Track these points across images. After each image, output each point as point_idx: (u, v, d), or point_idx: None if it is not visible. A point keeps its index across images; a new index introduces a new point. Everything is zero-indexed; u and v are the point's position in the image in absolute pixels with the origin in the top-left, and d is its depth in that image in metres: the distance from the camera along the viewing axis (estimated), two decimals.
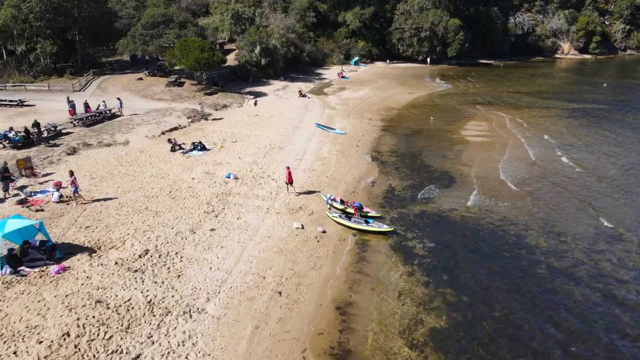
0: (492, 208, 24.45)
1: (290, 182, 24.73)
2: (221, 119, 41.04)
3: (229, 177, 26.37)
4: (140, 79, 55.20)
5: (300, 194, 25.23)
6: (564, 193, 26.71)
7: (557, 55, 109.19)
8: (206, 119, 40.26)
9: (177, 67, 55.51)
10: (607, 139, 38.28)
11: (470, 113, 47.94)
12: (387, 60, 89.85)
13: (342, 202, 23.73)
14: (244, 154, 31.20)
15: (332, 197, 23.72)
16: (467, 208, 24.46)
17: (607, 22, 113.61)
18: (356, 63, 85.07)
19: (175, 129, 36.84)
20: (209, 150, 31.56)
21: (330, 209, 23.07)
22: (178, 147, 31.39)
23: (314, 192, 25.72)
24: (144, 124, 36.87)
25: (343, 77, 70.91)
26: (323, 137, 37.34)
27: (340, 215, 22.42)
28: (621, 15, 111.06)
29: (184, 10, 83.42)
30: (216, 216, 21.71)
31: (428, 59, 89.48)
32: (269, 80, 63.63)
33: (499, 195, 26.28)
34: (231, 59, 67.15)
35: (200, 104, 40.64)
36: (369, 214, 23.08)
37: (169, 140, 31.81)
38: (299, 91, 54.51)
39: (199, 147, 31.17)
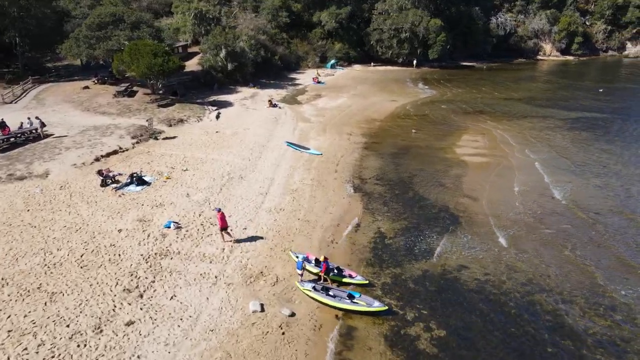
0: (518, 266, 18.81)
1: (223, 227, 18.72)
2: (174, 137, 34.50)
3: (169, 227, 20.04)
4: (87, 87, 48.04)
5: (256, 242, 19.07)
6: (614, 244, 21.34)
7: (539, 57, 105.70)
8: (156, 139, 33.68)
9: (128, 74, 48.60)
10: (622, 157, 33.31)
11: (462, 125, 42.59)
12: (372, 64, 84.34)
13: (317, 262, 17.72)
14: (195, 188, 24.84)
15: (304, 257, 17.73)
16: (483, 266, 18.77)
17: (587, 23, 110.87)
18: (333, 66, 79.34)
19: (114, 153, 30.17)
20: (150, 183, 25.08)
21: (302, 275, 17.05)
22: (110, 181, 24.84)
23: (280, 246, 19.60)
24: (75, 147, 30.08)
25: (319, 82, 65.01)
26: (295, 159, 31.28)
27: (314, 287, 16.40)
28: (602, 16, 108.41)
29: (145, 10, 76.40)
30: (140, 296, 15.42)
31: (414, 61, 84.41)
32: (236, 87, 57.17)
33: (524, 243, 20.68)
34: (194, 64, 60.48)
35: (148, 120, 34.06)
36: (353, 282, 17.14)
37: (99, 172, 25.19)
38: (269, 100, 48.29)
39: (137, 181, 24.64)
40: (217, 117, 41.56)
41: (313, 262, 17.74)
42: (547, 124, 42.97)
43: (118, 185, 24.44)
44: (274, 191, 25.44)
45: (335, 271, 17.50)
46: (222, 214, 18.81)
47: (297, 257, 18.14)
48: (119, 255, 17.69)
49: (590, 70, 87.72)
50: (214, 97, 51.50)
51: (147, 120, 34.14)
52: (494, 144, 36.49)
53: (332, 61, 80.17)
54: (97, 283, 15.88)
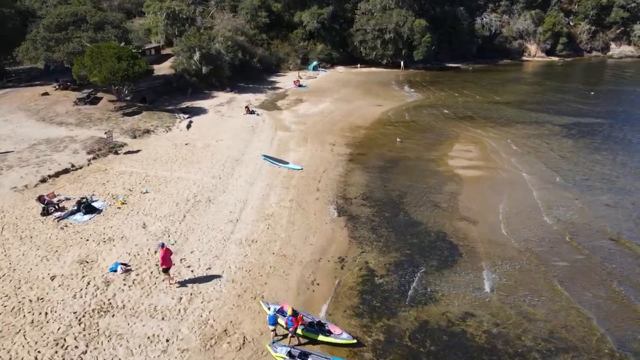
0: (533, 314, 15.91)
1: (166, 267, 15.49)
2: (137, 151, 30.91)
3: (116, 271, 16.60)
4: (46, 93, 43.96)
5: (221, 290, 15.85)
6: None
7: (524, 58, 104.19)
8: (116, 153, 30.03)
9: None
10: (625, 169, 30.88)
11: (453, 132, 39.83)
12: (359, 65, 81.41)
13: (295, 314, 14.49)
14: (154, 215, 21.40)
15: (278, 309, 14.55)
16: (492, 313, 15.83)
17: (571, 23, 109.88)
18: (315, 68, 76.19)
19: (65, 172, 26.46)
20: (102, 211, 21.54)
21: (275, 332, 13.85)
22: (54, 208, 21.24)
23: (250, 291, 16.36)
24: (20, 165, 26.32)
25: (300, 85, 61.76)
26: (272, 175, 28.03)
27: (290, 353, 13.21)
28: (586, 16, 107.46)
29: (117, 10, 72.25)
30: None
31: (402, 63, 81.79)
32: (212, 92, 53.59)
33: (537, 283, 17.81)
34: (167, 67, 56.71)
35: (106, 132, 30.40)
36: (338, 341, 14.00)
37: (40, 199, 21.55)
38: (246, 107, 44.88)
39: (85, 208, 21.07)
40: (188, 126, 38.02)
41: (288, 313, 14.54)
42: (541, 130, 40.48)
43: (62, 214, 20.85)
44: (247, 217, 22.15)
45: (316, 327, 14.34)
46: (167, 250, 15.58)
47: (269, 308, 14.94)
48: (46, 314, 14.22)
49: (577, 72, 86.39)
50: (188, 103, 47.96)
51: (105, 133, 30.46)
52: (488, 154, 33.77)
53: (314, 63, 77.07)
54: (11, 358, 12.39)
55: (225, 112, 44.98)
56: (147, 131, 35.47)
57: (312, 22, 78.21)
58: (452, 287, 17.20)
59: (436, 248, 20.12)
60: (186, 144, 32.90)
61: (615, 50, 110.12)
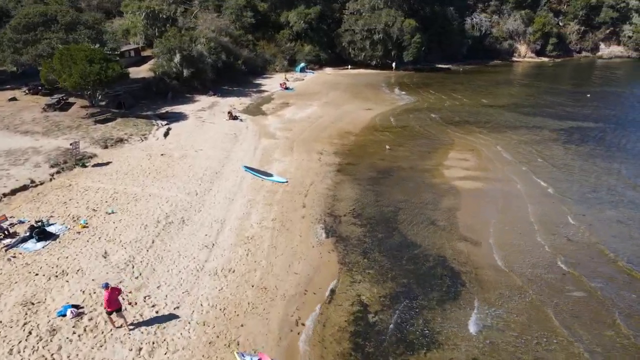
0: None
1: (112, 310, 13.15)
2: (108, 163, 28.32)
3: (65, 315, 14.14)
4: (14, 99, 41.11)
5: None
6: None
7: (514, 58, 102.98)
8: (84, 166, 27.42)
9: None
10: (633, 180, 29.07)
11: (447, 139, 37.84)
12: (349, 66, 79.32)
13: None
14: (118, 241, 18.93)
15: None
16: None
17: (561, 23, 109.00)
18: (302, 70, 73.90)
19: (23, 189, 23.82)
20: (58, 236, 19.01)
21: None
22: (2, 235, 18.66)
23: (224, 337, 14.02)
24: None
25: (287, 88, 59.45)
26: (254, 190, 25.68)
27: None
28: (576, 16, 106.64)
29: (95, 9, 69.32)
30: None
31: (393, 64, 79.88)
32: (193, 96, 51.03)
33: (557, 316, 15.72)
34: (146, 70, 54.00)
35: (72, 143, 27.73)
36: None
37: None
38: (229, 112, 42.43)
39: (38, 235, 18.52)
40: (166, 134, 35.47)
41: None
42: (539, 136, 38.67)
43: (12, 241, 18.29)
44: (224, 241, 19.78)
45: None
46: (111, 291, 13.22)
47: (240, 358, 12.65)
48: None
49: (568, 73, 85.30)
50: (167, 108, 45.40)
51: (71, 144, 27.79)
52: (486, 163, 31.78)
53: (302, 64, 74.77)
54: None
55: (206, 117, 42.47)
56: (120, 140, 32.85)
57: (299, 22, 75.99)
58: (456, 327, 15.05)
59: (436, 276, 17.95)
60: (162, 155, 30.38)
61: (605, 50, 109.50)
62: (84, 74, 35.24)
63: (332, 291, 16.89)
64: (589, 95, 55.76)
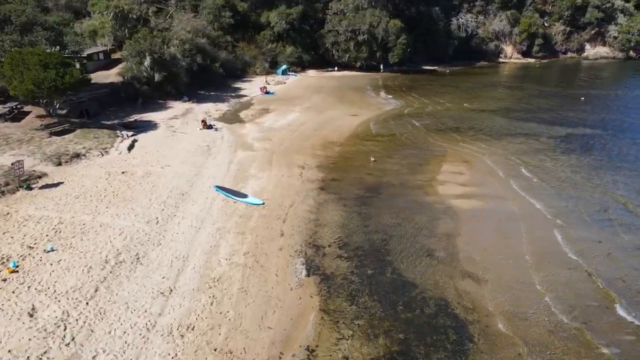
0: None
1: None
2: (58, 184, 24.78)
3: None
4: None
5: None
6: None
7: (500, 59, 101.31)
8: (28, 188, 23.84)
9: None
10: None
11: (439, 149, 35.10)
12: (336, 68, 76.37)
13: None
14: (52, 291, 15.55)
15: None
16: None
17: (546, 24, 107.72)
18: (284, 72, 70.74)
19: None
20: None
21: None
22: None
23: None
24: None
25: (267, 92, 56.21)
26: (226, 215, 22.48)
27: None
28: (561, 17, 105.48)
29: (64, 9, 65.14)
30: None
31: (381, 66, 77.25)
32: (166, 102, 47.48)
33: None
34: (115, 74, 50.18)
35: (15, 163, 24.06)
36: None
37: None
38: (203, 121, 39.04)
39: None
40: (130, 147, 31.97)
41: None
42: (535, 145, 36.20)
43: None
44: (185, 285, 16.55)
45: None
46: None
47: None
48: None
49: (556, 74, 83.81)
50: (136, 116, 41.86)
51: (13, 163, 24.11)
52: (483, 177, 29.07)
53: (284, 67, 71.59)
54: None
55: (178, 126, 39.04)
56: (77, 155, 29.25)
57: (280, 22, 72.78)
58: None
59: (438, 328, 15.01)
60: (123, 173, 26.91)
61: (590, 51, 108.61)
62: (37, 80, 31.57)
63: (313, 351, 13.80)
64: (583, 99, 53.73)
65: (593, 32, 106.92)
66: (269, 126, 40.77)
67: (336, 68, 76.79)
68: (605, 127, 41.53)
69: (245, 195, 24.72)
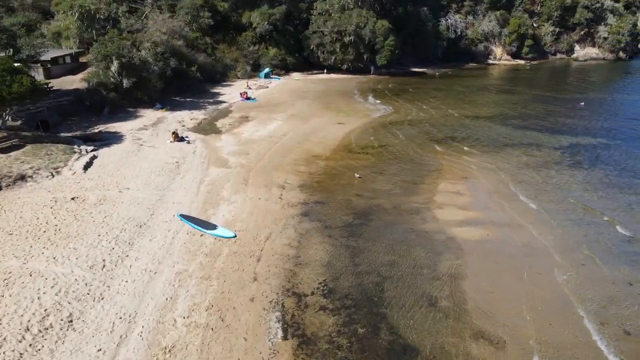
0: None
1: None
2: None
3: None
4: None
5: None
6: None
7: (490, 61, 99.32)
8: None
9: None
10: None
11: (434, 162, 31.94)
12: (325, 71, 73.20)
13: None
14: None
15: None
16: None
17: (535, 24, 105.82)
18: (267, 75, 67.30)
19: None
20: None
21: None
22: None
23: None
24: None
25: (248, 98, 52.66)
26: (189, 253, 18.91)
27: None
28: (550, 17, 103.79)
29: (31, 9, 60.74)
30: None
31: (372, 68, 74.24)
32: (137, 110, 43.71)
33: None
34: (79, 80, 46.17)
35: None
36: None
37: None
38: (174, 133, 35.30)
39: None
40: (87, 166, 28.13)
41: None
42: (538, 157, 33.24)
43: None
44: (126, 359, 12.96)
45: None
46: None
47: None
48: None
49: (549, 76, 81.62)
50: (102, 127, 38.11)
51: None
52: (485, 197, 25.90)
53: (266, 70, 68.13)
54: None
55: (147, 139, 35.30)
56: (22, 177, 25.36)
57: (263, 23, 69.33)
58: None
59: None
60: (73, 199, 23.15)
61: (580, 52, 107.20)
62: None
63: None
64: (582, 104, 51.11)
65: (582, 32, 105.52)
66: (247, 137, 37.19)
67: (325, 70, 73.56)
68: (611, 135, 38.80)
69: (214, 227, 21.16)
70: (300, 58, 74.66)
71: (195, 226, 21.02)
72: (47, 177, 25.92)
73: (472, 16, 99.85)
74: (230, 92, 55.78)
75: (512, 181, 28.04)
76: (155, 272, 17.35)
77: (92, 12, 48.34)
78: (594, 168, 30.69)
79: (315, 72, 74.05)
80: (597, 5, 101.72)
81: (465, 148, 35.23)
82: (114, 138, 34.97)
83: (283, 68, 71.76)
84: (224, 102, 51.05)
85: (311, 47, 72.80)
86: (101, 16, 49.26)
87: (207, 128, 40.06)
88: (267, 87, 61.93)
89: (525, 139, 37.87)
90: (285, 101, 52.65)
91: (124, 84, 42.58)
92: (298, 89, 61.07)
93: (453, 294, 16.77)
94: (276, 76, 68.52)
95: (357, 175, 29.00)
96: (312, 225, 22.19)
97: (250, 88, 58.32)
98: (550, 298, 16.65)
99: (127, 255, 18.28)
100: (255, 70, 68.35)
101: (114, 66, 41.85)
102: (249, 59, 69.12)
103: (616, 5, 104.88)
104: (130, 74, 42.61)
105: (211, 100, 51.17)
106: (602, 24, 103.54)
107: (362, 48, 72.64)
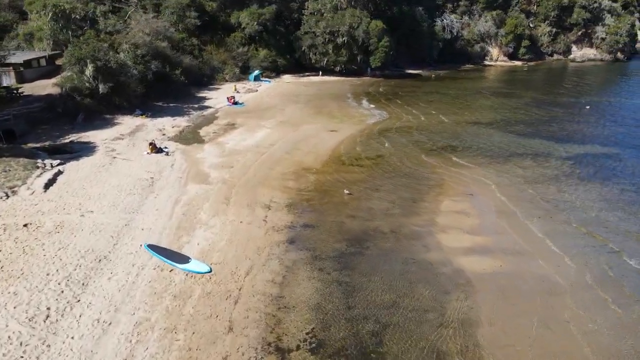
0: None
1: None
2: None
3: None
4: None
5: None
6: None
7: (486, 62, 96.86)
8: None
9: None
10: None
11: (434, 176, 29.29)
12: (321, 73, 70.40)
13: None
14: None
15: None
16: None
17: (531, 25, 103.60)
18: (257, 78, 64.37)
19: None
20: None
21: None
22: None
23: None
24: None
25: (235, 103, 49.76)
26: (154, 295, 16.07)
27: None
28: (547, 17, 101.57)
29: (7, 9, 57.47)
30: None
31: (368, 69, 71.56)
32: (114, 117, 40.69)
33: None
34: (52, 84, 42.98)
35: None
36: None
37: None
38: (151, 144, 32.35)
39: None
40: (50, 183, 25.13)
41: None
42: (547, 169, 30.73)
43: None
44: None
45: None
46: None
47: None
48: None
49: (548, 78, 79.39)
50: (74, 136, 35.28)
51: None
52: (494, 218, 23.28)
53: (256, 72, 65.20)
54: None
55: (122, 150, 32.36)
56: None
57: (252, 24, 66.42)
58: None
59: None
60: (25, 225, 20.21)
61: (577, 53, 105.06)
62: None
63: None
64: (588, 108, 48.70)
65: (580, 33, 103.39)
66: (232, 147, 34.34)
67: (320, 73, 70.75)
68: (623, 144, 36.33)
69: (186, 259, 18.31)
70: (292, 60, 71.82)
71: (165, 259, 18.16)
72: (1, 198, 22.90)
73: (468, 16, 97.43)
74: (217, 97, 52.84)
75: (522, 199, 25.43)
76: (110, 323, 14.48)
77: (67, 11, 45.15)
78: (608, 182, 28.15)
79: (307, 74, 71.26)
80: (595, 5, 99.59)
81: (467, 159, 32.62)
82: (86, 149, 31.99)
83: (273, 70, 68.87)
84: (210, 107, 48.12)
85: (303, 48, 69.98)
86: (77, 16, 46.06)
87: (190, 137, 37.15)
88: (257, 90, 59.05)
89: (530, 148, 35.32)
90: (275, 106, 49.84)
91: (100, 89, 39.51)
92: (289, 93, 58.26)
93: (466, 348, 14.07)
94: (266, 79, 65.66)
95: (346, 192, 26.27)
96: (299, 255, 19.40)
97: (238, 92, 55.49)
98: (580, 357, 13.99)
99: (79, 300, 15.40)
100: (244, 72, 65.42)
101: (89, 70, 38.80)
102: (238, 61, 66.17)
103: (614, 5, 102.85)
104: (106, 79, 39.53)
105: (196, 106, 48.19)
106: (600, 24, 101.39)
107: (355, 49, 69.92)
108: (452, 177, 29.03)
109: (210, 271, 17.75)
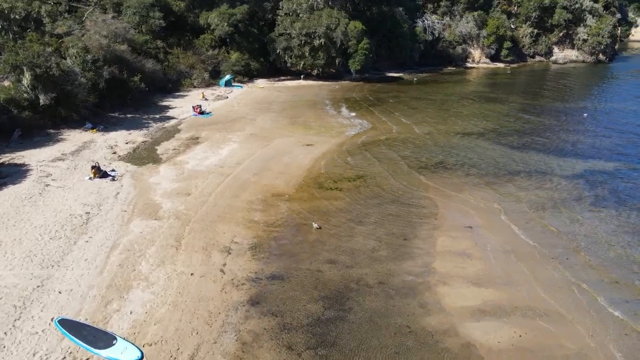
0: None
1: None
2: None
3: None
4: None
5: None
6: None
7: (468, 64, 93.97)
8: None
9: None
10: None
11: (427, 203, 25.24)
12: (302, 76, 65.98)
13: None
14: None
15: None
16: None
17: (513, 26, 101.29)
18: (228, 83, 59.60)
19: None
20: None
21: None
22: None
23: None
24: None
25: (202, 112, 44.95)
26: None
27: None
28: (528, 18, 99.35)
29: None
30: None
31: (353, 72, 67.27)
32: (60, 132, 35.63)
33: None
34: None
35: None
36: None
37: None
38: (94, 167, 27.40)
39: None
40: None
41: None
42: (553, 191, 27.02)
43: None
44: None
45: None
46: None
47: None
48: None
49: (534, 81, 76.74)
50: (8, 157, 30.28)
51: None
52: (503, 260, 19.27)
53: (227, 77, 60.39)
54: None
55: (59, 174, 27.38)
56: None
57: (222, 25, 61.60)
58: None
59: None
60: None
61: (559, 54, 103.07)
62: None
63: None
64: (585, 115, 45.42)
65: (561, 34, 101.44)
66: (192, 168, 29.66)
67: (302, 77, 66.34)
68: (629, 157, 32.95)
69: (111, 340, 13.73)
70: (266, 63, 67.20)
71: (80, 343, 13.54)
72: None
73: (449, 17, 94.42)
74: (182, 105, 47.95)
75: (531, 232, 21.58)
76: None
77: (6, 11, 39.65)
78: (624, 206, 24.60)
79: (282, 78, 66.81)
80: (576, 5, 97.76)
81: (461, 179, 28.74)
82: (17, 174, 26.96)
83: (246, 74, 64.17)
84: (173, 117, 43.23)
85: (277, 51, 65.38)
86: (17, 16, 40.59)
87: (144, 155, 32.32)
88: (227, 97, 54.32)
89: (528, 164, 31.65)
90: (246, 115, 45.27)
91: (41, 100, 34.33)
92: (262, 99, 53.71)
93: None
94: (238, 84, 60.93)
95: (315, 226, 21.97)
96: (263, 324, 15.02)
97: (206, 99, 50.79)
98: None
99: None
100: (214, 77, 60.60)
101: (26, 79, 33.58)
102: (208, 65, 61.30)
103: (595, 5, 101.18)
104: (48, 88, 34.37)
105: (157, 116, 43.23)
106: (582, 25, 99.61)
107: (333, 52, 65.72)
108: (446, 203, 25.02)
109: (141, 358, 13.19)
